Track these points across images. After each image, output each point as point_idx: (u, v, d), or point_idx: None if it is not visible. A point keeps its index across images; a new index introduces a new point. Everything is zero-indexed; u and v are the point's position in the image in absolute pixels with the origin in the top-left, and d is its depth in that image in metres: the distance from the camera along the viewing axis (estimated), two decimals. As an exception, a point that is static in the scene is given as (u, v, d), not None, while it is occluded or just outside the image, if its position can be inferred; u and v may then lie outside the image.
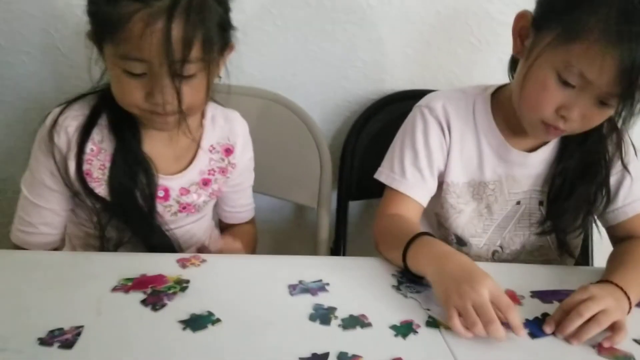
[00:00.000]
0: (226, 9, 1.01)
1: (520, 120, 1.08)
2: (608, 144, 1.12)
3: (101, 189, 1.06)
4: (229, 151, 1.17)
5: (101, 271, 0.95)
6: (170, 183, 1.11)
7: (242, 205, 1.28)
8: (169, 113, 0.98)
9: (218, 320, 0.85)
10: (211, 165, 1.16)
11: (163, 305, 0.87)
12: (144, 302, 0.87)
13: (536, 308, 0.96)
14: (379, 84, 1.51)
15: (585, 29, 0.89)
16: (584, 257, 1.39)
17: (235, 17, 1.04)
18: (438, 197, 1.21)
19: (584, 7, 0.91)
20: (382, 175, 1.19)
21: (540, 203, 1.19)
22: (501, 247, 1.22)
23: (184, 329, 0.82)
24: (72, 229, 1.17)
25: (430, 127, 1.15)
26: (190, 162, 1.14)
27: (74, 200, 1.11)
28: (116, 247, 1.10)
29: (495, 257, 1.23)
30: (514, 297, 0.99)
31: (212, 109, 1.17)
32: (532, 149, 1.15)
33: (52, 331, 0.79)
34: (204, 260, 1.01)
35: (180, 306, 0.87)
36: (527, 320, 0.92)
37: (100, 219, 1.09)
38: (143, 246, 1.11)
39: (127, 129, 1.05)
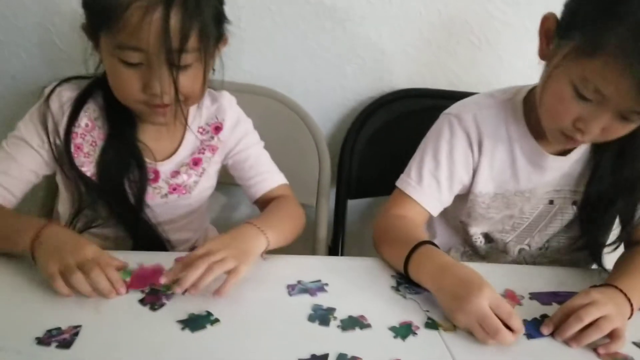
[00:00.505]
0: (221, 1, 1.02)
1: (543, 127, 1.04)
2: None
3: (90, 167, 1.06)
4: (218, 129, 1.16)
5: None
6: (161, 168, 1.12)
7: (260, 173, 1.19)
8: (166, 104, 0.98)
9: (217, 320, 0.84)
10: (202, 144, 1.15)
11: (162, 305, 0.87)
12: (142, 302, 0.87)
13: (535, 309, 0.96)
14: (379, 82, 1.51)
15: (603, 45, 0.86)
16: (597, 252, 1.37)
17: (234, 13, 1.04)
18: (462, 206, 1.18)
19: (604, 21, 0.87)
20: (402, 182, 1.15)
21: (574, 203, 1.15)
22: (529, 245, 1.21)
23: (183, 329, 0.82)
24: (62, 209, 1.17)
25: (457, 139, 1.12)
26: (179, 146, 1.14)
27: (62, 177, 1.10)
28: (84, 229, 1.10)
29: (522, 254, 1.21)
30: (514, 297, 0.99)
31: None
32: (566, 151, 1.11)
33: (49, 330, 0.79)
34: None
35: (179, 306, 0.87)
36: (525, 320, 0.92)
37: (81, 196, 1.08)
38: (114, 236, 1.12)
39: (121, 117, 1.05)
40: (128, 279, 0.90)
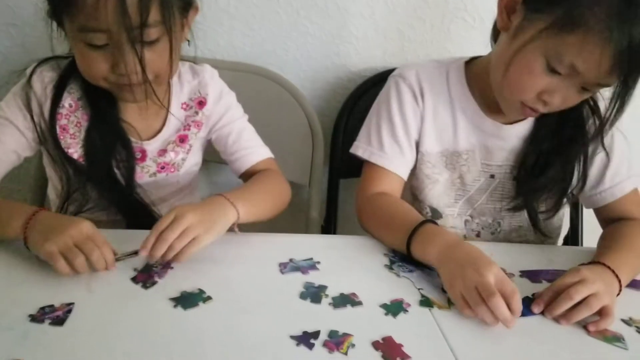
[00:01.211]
0: None
1: (497, 97, 1.07)
2: (587, 127, 1.11)
3: (77, 148, 1.05)
4: (202, 103, 1.15)
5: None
6: (148, 147, 1.11)
7: (243, 148, 1.18)
8: (135, 83, 0.96)
9: (209, 298, 0.85)
10: (187, 121, 1.14)
11: (154, 283, 0.87)
12: (134, 280, 0.87)
13: (525, 287, 0.96)
14: (372, 60, 1.50)
15: (583, 20, 0.88)
16: (574, 237, 1.40)
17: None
18: (413, 169, 1.21)
19: None
20: (359, 149, 1.19)
21: (514, 179, 1.18)
22: (471, 216, 1.22)
23: (175, 306, 0.82)
24: (52, 196, 1.17)
25: (404, 96, 1.15)
26: (164, 124, 1.12)
27: (49, 161, 1.09)
28: (75, 214, 1.09)
29: (468, 226, 1.23)
30: (504, 276, 1.00)
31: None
32: (508, 123, 1.14)
33: (42, 308, 0.79)
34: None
35: (171, 284, 0.87)
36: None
37: (69, 179, 1.07)
38: (107, 219, 1.12)
39: (102, 97, 1.04)
40: None
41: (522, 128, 1.14)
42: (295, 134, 1.44)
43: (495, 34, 1.12)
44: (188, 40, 1.07)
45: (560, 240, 1.36)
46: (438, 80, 1.16)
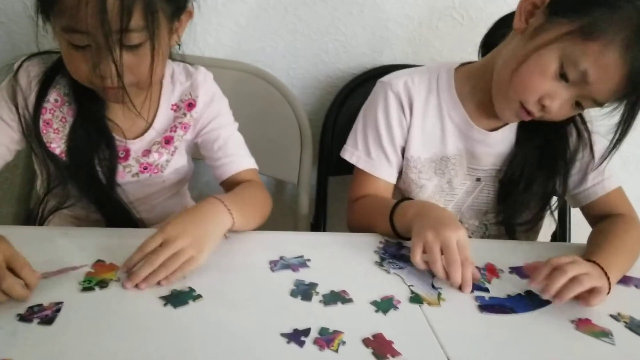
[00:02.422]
0: None
1: (494, 97, 1.08)
2: (570, 142, 1.14)
3: (60, 143, 1.04)
4: (191, 105, 1.13)
5: (79, 247, 0.93)
6: (132, 146, 1.10)
7: (227, 155, 1.15)
8: (111, 87, 0.94)
9: (199, 296, 0.84)
10: (174, 122, 1.13)
11: (143, 282, 0.86)
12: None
13: (515, 283, 0.97)
14: (360, 58, 1.50)
15: (606, 31, 0.90)
16: (562, 234, 1.42)
17: (215, -13, 1.01)
18: (400, 173, 1.22)
19: (611, 6, 0.90)
20: (347, 152, 1.22)
21: (500, 181, 1.20)
22: (460, 221, 1.23)
23: (165, 304, 0.82)
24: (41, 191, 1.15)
25: (390, 104, 1.17)
26: (151, 124, 1.11)
27: (33, 155, 1.08)
28: (55, 210, 1.08)
29: None
30: (493, 271, 1.01)
31: (171, 67, 1.13)
32: (495, 128, 1.16)
33: (31, 307, 0.78)
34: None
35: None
36: (508, 296, 0.93)
37: (50, 175, 1.06)
38: (86, 217, 1.11)
39: (89, 94, 1.02)
40: None
41: (509, 133, 1.16)
42: (284, 132, 1.44)
43: (486, 45, 1.16)
44: (179, 45, 1.05)
45: (549, 237, 1.37)
46: (427, 89, 1.17)
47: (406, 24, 1.47)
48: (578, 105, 1.00)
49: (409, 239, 1.02)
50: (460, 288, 0.92)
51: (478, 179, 1.20)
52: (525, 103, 1.02)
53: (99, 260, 0.90)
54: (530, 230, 1.23)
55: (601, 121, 1.06)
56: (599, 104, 0.98)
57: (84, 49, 0.91)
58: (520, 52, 1.01)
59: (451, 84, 1.16)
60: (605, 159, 1.09)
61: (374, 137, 1.18)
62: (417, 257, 0.94)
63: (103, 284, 0.85)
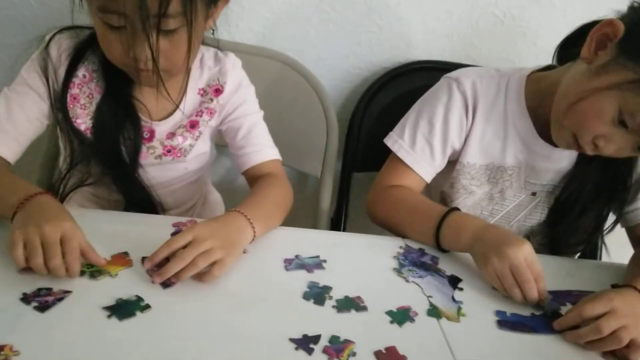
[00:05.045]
0: None
1: (552, 120, 1.02)
2: (636, 167, 1.08)
3: (86, 119, 1.03)
4: (218, 91, 1.11)
5: (94, 230, 0.88)
6: (157, 128, 1.08)
7: (251, 145, 1.13)
8: (145, 70, 0.94)
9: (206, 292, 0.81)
10: (200, 106, 1.11)
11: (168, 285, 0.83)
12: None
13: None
14: (394, 52, 1.45)
15: None
16: (592, 250, 1.35)
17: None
18: (447, 176, 1.16)
19: None
20: (390, 139, 1.15)
21: (556, 199, 1.14)
22: None
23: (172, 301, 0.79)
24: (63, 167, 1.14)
25: (454, 102, 1.10)
26: (178, 107, 1.09)
27: (59, 130, 1.07)
28: (76, 187, 1.07)
29: None
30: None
31: (201, 51, 1.11)
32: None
33: (40, 289, 0.76)
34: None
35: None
36: (533, 314, 0.89)
37: (74, 151, 1.05)
38: (107, 197, 1.10)
39: (118, 73, 1.01)
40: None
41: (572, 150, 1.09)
42: (310, 123, 1.40)
43: (562, 52, 1.08)
44: (213, 30, 1.04)
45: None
46: (495, 93, 1.10)
47: (444, 19, 1.41)
48: None
49: (447, 251, 1.02)
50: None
51: (534, 193, 1.15)
52: (578, 138, 0.96)
53: (121, 253, 0.87)
54: (575, 253, 1.18)
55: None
56: None
57: (119, 29, 0.90)
58: (581, 86, 0.95)
59: (521, 92, 1.09)
60: None
61: (425, 131, 1.11)
62: (499, 287, 0.91)
63: (97, 274, 0.82)
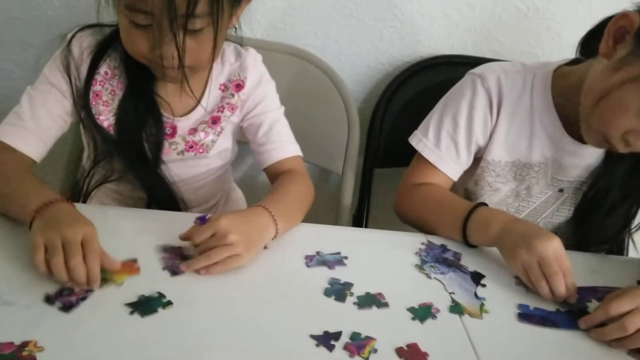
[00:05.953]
0: None
1: (581, 119, 1.00)
2: None
3: (108, 116, 1.04)
4: (239, 86, 1.11)
5: (116, 228, 0.91)
6: (179, 124, 1.09)
7: (272, 141, 1.13)
8: (170, 67, 0.95)
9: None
10: (222, 102, 1.11)
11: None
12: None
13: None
14: (416, 46, 1.44)
15: None
16: (619, 247, 1.33)
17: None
18: (472, 174, 1.15)
19: None
20: (415, 138, 1.14)
21: (584, 195, 1.12)
22: None
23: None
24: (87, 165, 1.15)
25: (478, 99, 1.09)
26: (199, 102, 1.10)
27: (82, 128, 1.08)
28: (100, 184, 1.08)
29: None
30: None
31: (222, 47, 1.11)
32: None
33: (63, 289, 0.76)
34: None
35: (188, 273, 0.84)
36: (557, 310, 0.88)
37: (97, 148, 1.06)
38: (130, 194, 1.11)
39: (140, 69, 1.02)
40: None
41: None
42: (331, 119, 1.40)
43: (585, 46, 1.06)
44: (235, 28, 1.04)
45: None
46: (521, 88, 1.08)
47: (467, 12, 1.40)
48: None
49: (474, 246, 1.01)
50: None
51: (561, 190, 1.13)
52: (608, 136, 0.94)
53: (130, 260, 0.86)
54: (602, 251, 1.15)
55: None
56: None
57: (145, 27, 0.91)
58: (602, 83, 0.93)
59: (547, 87, 1.07)
60: None
61: (450, 129, 1.10)
62: (526, 280, 0.91)
63: (102, 282, 0.79)
